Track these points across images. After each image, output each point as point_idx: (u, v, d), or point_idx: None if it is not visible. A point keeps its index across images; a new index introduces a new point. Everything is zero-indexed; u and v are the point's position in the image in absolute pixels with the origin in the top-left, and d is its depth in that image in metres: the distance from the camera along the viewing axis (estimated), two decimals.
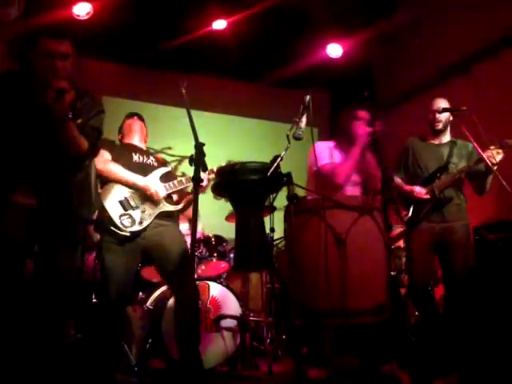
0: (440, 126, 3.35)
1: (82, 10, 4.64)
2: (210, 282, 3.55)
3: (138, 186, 2.90)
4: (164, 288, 3.62)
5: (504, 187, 2.97)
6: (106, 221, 2.78)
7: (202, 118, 4.67)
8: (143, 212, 2.88)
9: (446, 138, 3.41)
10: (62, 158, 2.27)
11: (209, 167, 2.22)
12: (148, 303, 3.57)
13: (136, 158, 3.05)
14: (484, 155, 3.07)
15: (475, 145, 3.14)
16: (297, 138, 2.61)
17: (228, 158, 3.23)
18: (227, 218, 4.31)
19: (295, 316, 2.37)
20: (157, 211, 2.92)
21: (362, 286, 2.37)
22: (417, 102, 5.31)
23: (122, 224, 2.79)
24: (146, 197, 2.91)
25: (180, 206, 3.13)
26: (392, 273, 3.74)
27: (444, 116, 3.33)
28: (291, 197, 2.42)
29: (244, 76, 5.91)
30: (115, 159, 2.96)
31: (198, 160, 2.15)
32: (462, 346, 3.07)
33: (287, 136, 2.62)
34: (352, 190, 3.04)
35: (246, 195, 2.67)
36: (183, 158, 3.38)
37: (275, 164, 2.49)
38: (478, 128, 3.06)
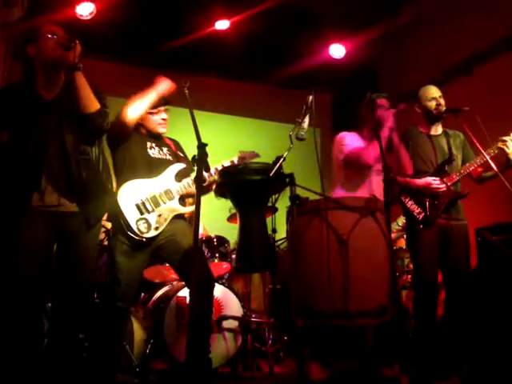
0: (444, 108, 3.21)
1: (85, 10, 4.65)
2: None
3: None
4: (166, 288, 3.62)
5: (506, 188, 2.96)
6: (122, 224, 2.76)
7: (204, 118, 4.67)
8: (159, 216, 2.84)
9: (440, 128, 3.33)
10: (75, 120, 2.30)
11: (211, 167, 2.21)
12: (150, 304, 3.57)
13: (150, 150, 2.97)
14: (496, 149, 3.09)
15: (480, 149, 3.10)
16: (299, 139, 2.61)
17: (233, 154, 3.20)
18: (229, 219, 4.31)
19: (297, 317, 2.36)
20: (172, 215, 2.89)
21: (363, 287, 2.37)
22: None
23: (138, 229, 2.76)
24: (161, 199, 2.88)
25: (193, 207, 3.10)
26: None
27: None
28: (293, 198, 2.42)
29: (246, 76, 5.91)
30: (130, 143, 2.89)
31: (200, 160, 2.15)
32: (463, 348, 3.06)
33: (290, 136, 2.62)
34: (379, 179, 3.02)
35: (248, 196, 2.66)
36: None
37: (278, 164, 2.49)
38: (480, 128, 3.05)
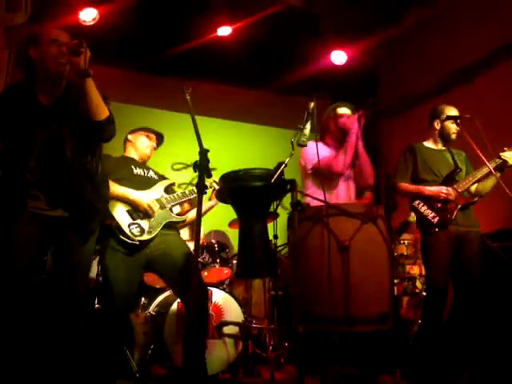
0: (455, 136, 3.34)
1: (88, 16, 4.67)
2: (212, 289, 3.54)
3: (129, 199, 2.86)
4: (167, 293, 3.62)
5: (507, 195, 2.98)
6: (114, 229, 2.77)
7: (206, 123, 4.67)
8: (151, 221, 2.88)
9: (444, 145, 3.43)
10: (77, 128, 2.26)
11: (213, 176, 2.22)
12: (150, 309, 3.56)
13: (137, 171, 3.05)
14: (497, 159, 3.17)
15: (483, 158, 3.13)
16: (301, 145, 2.62)
17: (231, 166, 3.23)
18: (231, 224, 4.31)
19: (298, 323, 2.36)
20: (164, 221, 2.92)
21: (365, 294, 2.36)
22: (421, 110, 5.32)
23: (131, 233, 2.78)
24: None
25: (185, 217, 3.15)
26: (395, 280, 3.73)
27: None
28: (295, 204, 2.42)
29: (248, 82, 5.92)
30: (113, 171, 2.91)
31: (202, 166, 2.15)
32: (464, 355, 3.05)
33: (291, 143, 2.63)
34: (345, 185, 3.14)
35: (250, 202, 2.66)
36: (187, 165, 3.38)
37: (279, 171, 2.49)
38: (481, 136, 3.06)
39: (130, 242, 2.77)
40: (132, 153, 3.16)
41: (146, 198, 2.91)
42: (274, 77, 5.58)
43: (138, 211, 2.87)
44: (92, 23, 4.68)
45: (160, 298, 3.62)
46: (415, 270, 4.21)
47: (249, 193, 2.63)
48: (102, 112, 2.25)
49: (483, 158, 3.12)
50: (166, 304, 3.45)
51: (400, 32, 5.36)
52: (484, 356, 3.07)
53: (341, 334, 2.70)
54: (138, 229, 2.81)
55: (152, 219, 2.88)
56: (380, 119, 6.24)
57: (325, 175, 3.06)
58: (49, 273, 2.37)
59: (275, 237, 3.61)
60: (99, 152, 2.44)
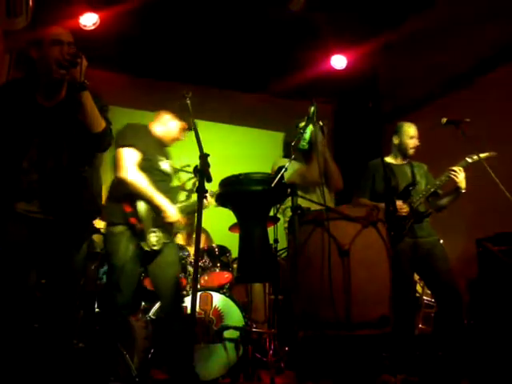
0: (414, 151, 3.42)
1: (88, 21, 4.69)
2: (212, 293, 3.54)
3: (160, 208, 2.85)
4: None
5: (507, 198, 2.98)
6: (136, 231, 2.79)
7: (206, 128, 4.67)
8: (165, 232, 2.88)
9: (406, 159, 3.49)
10: (79, 138, 2.23)
11: (213, 178, 2.21)
12: (151, 313, 3.56)
13: (162, 166, 3.00)
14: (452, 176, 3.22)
15: (480, 157, 3.14)
16: (301, 149, 2.63)
17: (231, 170, 3.24)
18: (231, 229, 4.31)
19: (298, 327, 2.35)
20: (173, 231, 2.94)
21: (365, 298, 2.36)
22: (422, 113, 5.33)
23: (149, 240, 2.80)
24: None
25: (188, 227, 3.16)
26: None
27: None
28: (295, 208, 2.42)
29: (248, 86, 5.94)
30: (144, 158, 2.89)
31: (202, 171, 2.15)
32: (463, 359, 3.05)
33: (292, 147, 2.63)
34: (319, 191, 3.18)
35: (250, 206, 2.67)
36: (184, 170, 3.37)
37: (279, 175, 2.49)
38: (481, 139, 3.08)
39: (146, 249, 2.79)
40: (159, 130, 3.07)
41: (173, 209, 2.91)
42: (273, 81, 5.59)
43: (160, 219, 2.86)
44: (92, 28, 4.70)
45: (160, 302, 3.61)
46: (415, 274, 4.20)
47: (249, 197, 2.63)
48: (98, 125, 2.22)
49: (484, 162, 3.13)
50: None
51: (400, 36, 5.37)
52: (483, 363, 3.07)
53: (340, 337, 2.69)
54: (156, 238, 2.82)
55: (166, 229, 2.88)
56: (380, 123, 6.25)
57: (299, 185, 3.09)
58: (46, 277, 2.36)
59: (275, 241, 3.61)
60: (98, 162, 2.42)
